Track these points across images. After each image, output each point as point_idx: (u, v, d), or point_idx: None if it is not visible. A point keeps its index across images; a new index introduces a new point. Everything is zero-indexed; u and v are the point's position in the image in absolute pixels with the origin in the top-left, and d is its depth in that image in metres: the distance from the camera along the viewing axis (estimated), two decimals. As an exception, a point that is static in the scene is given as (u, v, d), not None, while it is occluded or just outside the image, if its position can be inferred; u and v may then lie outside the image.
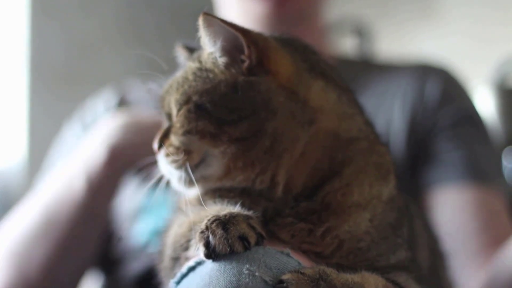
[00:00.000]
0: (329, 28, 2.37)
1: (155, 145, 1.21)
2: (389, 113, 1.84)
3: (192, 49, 1.32)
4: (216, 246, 1.02)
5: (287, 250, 1.08)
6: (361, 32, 3.63)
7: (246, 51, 1.16)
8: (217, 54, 1.18)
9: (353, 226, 1.16)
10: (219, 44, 1.17)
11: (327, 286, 0.99)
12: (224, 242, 1.02)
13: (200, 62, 1.21)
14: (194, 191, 1.20)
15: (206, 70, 1.19)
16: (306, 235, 1.15)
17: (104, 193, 1.74)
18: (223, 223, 1.03)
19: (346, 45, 3.45)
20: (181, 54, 1.36)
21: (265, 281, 1.00)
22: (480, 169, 1.77)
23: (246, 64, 1.17)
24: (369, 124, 1.28)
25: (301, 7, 1.92)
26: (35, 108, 3.80)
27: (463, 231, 1.69)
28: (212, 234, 1.02)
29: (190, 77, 1.19)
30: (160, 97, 1.25)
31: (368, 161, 1.22)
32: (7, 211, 3.51)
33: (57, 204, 1.73)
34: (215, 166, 1.16)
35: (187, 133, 1.16)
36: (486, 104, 3.11)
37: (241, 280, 0.99)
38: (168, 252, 1.21)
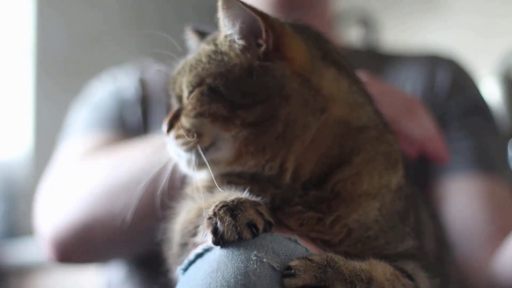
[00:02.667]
0: (336, 18, 2.36)
1: (164, 127, 1.21)
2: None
3: (202, 33, 1.32)
4: (225, 233, 1.02)
5: (294, 236, 1.08)
6: (366, 23, 3.62)
7: (264, 35, 1.16)
8: (236, 37, 1.17)
9: (363, 215, 1.16)
10: (237, 26, 1.16)
11: (334, 273, 1.00)
12: (233, 229, 1.02)
13: (215, 45, 1.20)
14: (203, 175, 1.21)
15: (221, 53, 1.18)
16: (315, 224, 1.15)
17: None
18: (231, 209, 1.03)
19: (351, 36, 3.44)
20: (190, 37, 1.36)
21: (273, 267, 1.00)
22: (489, 159, 1.77)
23: (262, 48, 1.17)
24: (378, 113, 1.29)
25: None
26: (40, 99, 3.81)
27: (472, 220, 1.69)
28: (220, 221, 1.02)
29: (204, 59, 1.19)
30: (171, 79, 1.25)
31: (378, 150, 1.22)
32: (13, 201, 3.52)
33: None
34: (226, 150, 1.16)
35: (199, 115, 1.15)
36: (491, 95, 3.11)
37: (249, 266, 1.00)
38: (176, 238, 1.21)
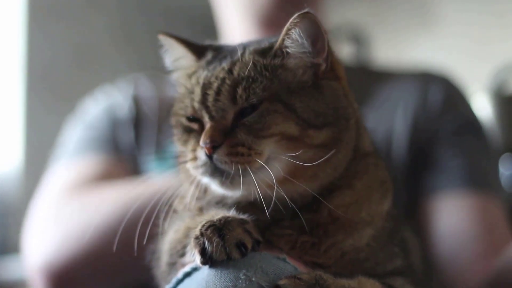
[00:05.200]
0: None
1: (208, 143, 1.09)
2: (391, 120, 1.84)
3: (183, 40, 1.25)
4: (213, 253, 1.01)
5: (283, 255, 1.08)
6: (358, 39, 3.63)
7: (325, 53, 1.14)
8: (306, 53, 1.13)
9: (357, 240, 1.16)
10: (309, 43, 1.13)
11: None
12: (222, 250, 1.01)
13: (279, 58, 1.14)
14: (237, 194, 1.13)
15: (288, 69, 1.14)
16: (309, 248, 1.14)
17: None
18: (219, 229, 1.02)
19: (343, 52, 3.45)
20: (168, 42, 1.26)
21: (262, 286, 0.99)
22: (479, 177, 1.77)
23: (323, 67, 1.15)
24: (372, 139, 1.30)
25: None
26: (31, 114, 3.80)
27: (462, 238, 1.69)
28: (209, 241, 1.01)
29: (268, 73, 1.12)
30: (205, 88, 1.14)
31: (375, 177, 1.23)
32: (3, 218, 3.49)
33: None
34: (276, 171, 1.09)
35: (271, 135, 1.09)
36: (483, 111, 3.12)
37: (238, 285, 0.99)
38: (165, 258, 1.20)
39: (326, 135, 1.12)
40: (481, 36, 3.86)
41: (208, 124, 1.11)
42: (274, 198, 1.09)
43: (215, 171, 1.10)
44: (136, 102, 2.00)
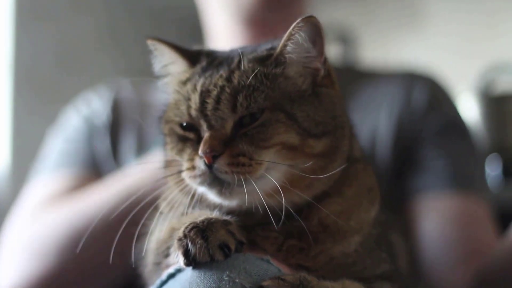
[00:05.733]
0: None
1: (207, 152, 1.07)
2: (376, 121, 1.84)
3: (174, 45, 1.23)
4: (197, 255, 1.01)
5: (267, 257, 1.08)
6: (345, 39, 3.63)
7: (323, 58, 1.14)
8: (311, 58, 1.13)
9: (346, 247, 1.16)
10: (315, 50, 1.12)
11: None
12: (205, 251, 1.01)
13: (279, 67, 1.13)
14: (234, 203, 1.12)
15: (288, 77, 1.13)
16: (296, 252, 1.14)
17: None
18: (202, 230, 1.02)
19: (330, 52, 3.45)
20: (159, 47, 1.24)
21: None
22: (464, 177, 1.77)
23: (322, 72, 1.15)
24: (361, 145, 1.30)
25: None
26: (18, 116, 3.78)
27: (447, 239, 1.69)
28: (192, 243, 1.01)
29: (269, 82, 1.11)
30: (201, 101, 1.12)
31: (364, 184, 1.23)
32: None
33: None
34: (274, 180, 1.08)
35: (273, 145, 1.09)
36: (470, 111, 3.13)
37: (222, 287, 0.99)
38: (151, 258, 1.20)
39: (325, 144, 1.12)
40: (468, 36, 3.87)
41: (207, 133, 1.09)
42: (264, 206, 1.08)
43: (214, 181, 1.08)
44: (116, 107, 1.99)
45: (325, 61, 1.15)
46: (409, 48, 4.05)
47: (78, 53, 4.01)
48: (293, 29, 1.10)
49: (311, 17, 1.09)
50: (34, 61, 3.83)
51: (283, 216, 1.09)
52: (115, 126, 1.94)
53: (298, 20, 1.09)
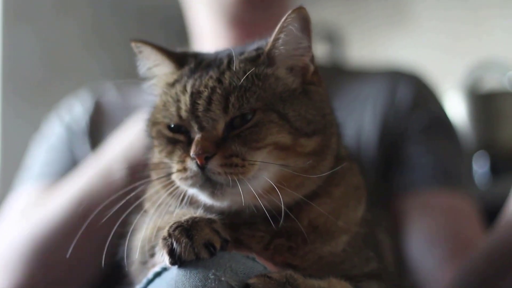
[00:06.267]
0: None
1: (200, 154, 1.06)
2: (361, 119, 1.84)
3: (159, 47, 1.22)
4: (182, 254, 1.01)
5: (252, 254, 1.08)
6: (332, 38, 3.63)
7: (311, 53, 1.15)
8: (302, 49, 1.14)
9: (334, 246, 1.16)
10: (303, 48, 1.14)
11: None
12: (190, 250, 1.01)
13: (269, 67, 1.14)
14: (226, 204, 1.12)
15: (278, 77, 1.13)
16: (285, 251, 1.14)
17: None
18: (186, 229, 1.02)
19: (317, 51, 3.45)
20: (144, 49, 1.22)
21: (231, 286, 1.00)
22: (450, 174, 1.78)
23: (311, 69, 1.16)
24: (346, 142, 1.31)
25: None
26: (6, 118, 3.76)
27: (433, 236, 1.70)
28: (177, 242, 1.01)
29: (260, 82, 1.11)
30: (191, 102, 1.11)
31: (352, 183, 1.24)
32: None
33: (93, 192, 1.62)
34: (264, 181, 1.09)
35: (266, 146, 1.09)
36: (457, 109, 3.13)
37: (207, 285, 0.99)
38: (136, 256, 1.19)
39: (316, 143, 1.12)
40: (455, 34, 3.88)
41: (198, 134, 1.09)
42: (255, 206, 1.09)
43: (205, 182, 1.08)
44: (97, 111, 1.99)
45: (313, 57, 1.16)
46: (396, 46, 4.05)
47: (65, 55, 3.99)
48: (284, 21, 1.11)
49: (301, 8, 1.10)
50: (21, 63, 3.81)
51: (283, 215, 1.09)
52: (96, 130, 1.94)
53: (289, 11, 1.10)
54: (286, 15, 1.10)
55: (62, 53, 3.99)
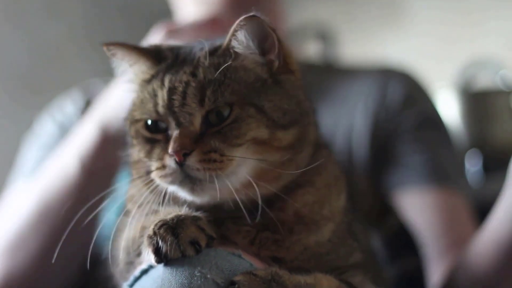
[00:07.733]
0: (292, 32, 2.36)
1: (178, 150, 1.06)
2: (352, 117, 1.85)
3: (134, 46, 1.21)
4: (168, 252, 1.01)
5: (238, 251, 1.08)
6: (325, 36, 3.62)
7: (276, 50, 1.14)
8: (256, 53, 1.14)
9: (320, 236, 1.17)
10: (255, 43, 1.13)
11: (279, 287, 0.99)
12: (176, 248, 1.01)
13: (237, 60, 1.14)
14: (205, 200, 1.12)
15: (248, 69, 1.14)
16: (271, 244, 1.14)
17: (99, 174, 1.58)
18: (172, 227, 1.02)
19: (310, 50, 3.44)
20: (118, 52, 1.21)
21: (217, 283, 1.00)
22: (441, 171, 1.78)
23: (276, 63, 1.15)
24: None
25: None
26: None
27: (426, 233, 1.70)
28: (162, 240, 1.01)
29: (233, 75, 1.11)
30: (170, 94, 1.11)
31: (332, 172, 1.24)
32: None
33: (51, 190, 1.63)
34: (242, 176, 1.09)
35: (244, 141, 1.08)
36: (449, 107, 3.13)
37: (193, 282, 0.99)
38: (122, 256, 1.19)
39: (293, 136, 1.12)
40: (448, 33, 3.89)
41: (176, 131, 1.08)
42: (236, 200, 1.08)
43: (185, 179, 1.08)
44: (89, 109, 1.98)
45: (279, 52, 1.15)
46: (390, 45, 4.06)
47: (53, 55, 3.98)
48: (236, 26, 1.11)
49: (253, 16, 1.09)
50: (10, 63, 3.81)
51: (259, 210, 1.09)
52: None
53: (241, 18, 1.10)
54: (237, 21, 1.11)
55: (51, 52, 3.98)
